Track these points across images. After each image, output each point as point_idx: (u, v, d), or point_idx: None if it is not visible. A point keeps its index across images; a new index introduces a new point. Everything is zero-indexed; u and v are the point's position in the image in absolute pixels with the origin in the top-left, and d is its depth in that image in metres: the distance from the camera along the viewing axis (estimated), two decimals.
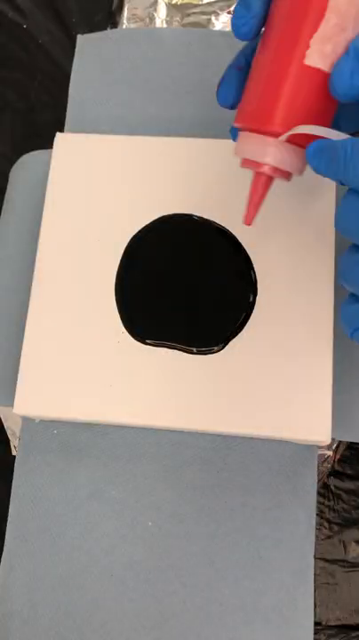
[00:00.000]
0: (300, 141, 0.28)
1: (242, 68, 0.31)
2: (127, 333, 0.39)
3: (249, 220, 0.31)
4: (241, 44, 0.32)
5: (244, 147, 0.29)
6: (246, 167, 0.30)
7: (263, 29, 0.30)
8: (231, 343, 0.38)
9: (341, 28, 0.27)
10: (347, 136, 0.27)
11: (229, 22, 0.50)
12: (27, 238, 0.45)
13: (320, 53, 0.27)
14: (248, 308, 0.39)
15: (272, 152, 0.28)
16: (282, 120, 0.28)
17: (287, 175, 0.30)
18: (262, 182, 0.30)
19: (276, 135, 0.28)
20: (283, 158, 0.28)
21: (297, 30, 0.28)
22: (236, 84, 0.31)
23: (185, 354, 0.38)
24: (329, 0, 0.27)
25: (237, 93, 0.31)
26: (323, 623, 0.40)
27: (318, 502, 0.41)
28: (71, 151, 0.43)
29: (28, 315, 0.40)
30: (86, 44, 0.50)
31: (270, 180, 0.30)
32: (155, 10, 0.53)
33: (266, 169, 0.29)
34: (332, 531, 0.42)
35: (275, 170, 0.29)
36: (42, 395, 0.39)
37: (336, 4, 0.27)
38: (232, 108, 0.31)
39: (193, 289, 0.40)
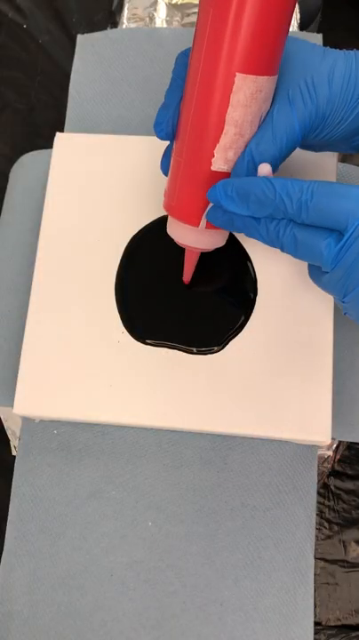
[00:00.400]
0: (214, 226, 0.33)
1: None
2: (127, 333, 0.39)
3: (187, 280, 0.39)
4: None
5: (173, 231, 0.35)
6: (178, 243, 0.36)
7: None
8: (231, 343, 0.38)
9: (240, 135, 0.30)
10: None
11: None
12: (28, 238, 0.45)
13: (224, 160, 0.31)
14: (248, 308, 0.39)
15: (193, 238, 0.34)
16: (197, 216, 0.33)
17: (208, 249, 0.36)
18: (191, 254, 0.37)
19: (196, 225, 0.33)
20: (202, 240, 0.34)
21: (201, 144, 0.31)
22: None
23: (185, 354, 0.38)
24: (226, 115, 0.29)
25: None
26: (323, 623, 0.40)
27: (318, 502, 0.41)
28: (71, 151, 0.43)
29: (28, 315, 0.40)
30: (86, 43, 0.50)
31: (197, 252, 0.36)
32: (155, 10, 0.53)
33: (190, 247, 0.36)
34: (332, 531, 0.42)
35: (198, 248, 0.35)
36: (42, 395, 0.39)
37: (232, 117, 0.29)
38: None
39: (193, 289, 0.40)
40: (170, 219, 0.35)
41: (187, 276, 0.38)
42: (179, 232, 0.35)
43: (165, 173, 0.35)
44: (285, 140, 0.30)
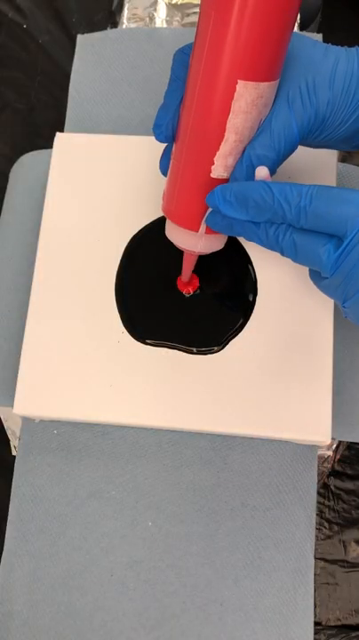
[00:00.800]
0: (212, 231, 0.33)
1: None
2: (127, 333, 0.39)
3: (185, 280, 0.39)
4: None
5: (172, 235, 0.35)
6: (177, 246, 0.35)
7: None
8: (231, 343, 0.38)
9: (240, 141, 0.30)
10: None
11: None
12: (28, 238, 0.45)
13: (224, 167, 0.30)
14: (248, 308, 0.39)
15: (192, 242, 0.34)
16: (197, 221, 0.33)
17: (207, 252, 0.35)
18: (189, 257, 0.37)
19: (195, 230, 0.33)
20: (201, 244, 0.34)
21: (201, 151, 0.30)
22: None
23: (185, 354, 0.38)
24: (227, 122, 0.29)
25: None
26: (323, 623, 0.40)
27: (318, 502, 0.41)
28: (71, 151, 0.43)
29: (28, 315, 0.40)
30: (86, 43, 0.50)
31: (195, 255, 0.36)
32: (155, 10, 0.53)
33: (189, 251, 0.35)
34: (332, 531, 0.42)
35: (197, 252, 0.35)
36: (42, 395, 0.39)
37: (233, 125, 0.29)
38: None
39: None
40: (168, 222, 0.35)
41: (186, 277, 0.38)
42: (177, 236, 0.34)
43: (164, 174, 0.34)
44: (283, 143, 0.30)
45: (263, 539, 0.38)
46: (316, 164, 0.40)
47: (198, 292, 0.40)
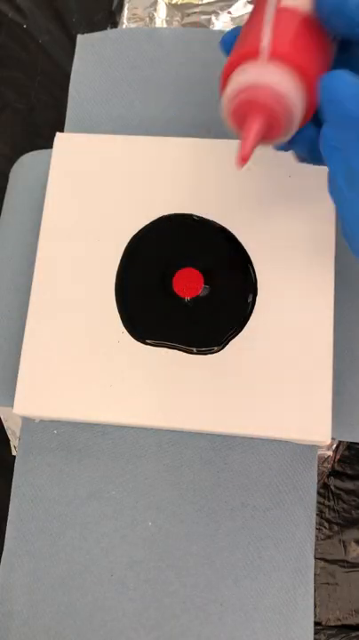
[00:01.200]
0: (293, 61, 0.26)
1: None
2: (127, 333, 0.39)
3: (246, 156, 0.27)
4: None
5: (234, 81, 0.26)
6: (237, 119, 0.27)
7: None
8: (231, 343, 0.38)
9: None
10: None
11: (230, 22, 0.50)
12: (28, 238, 0.45)
13: None
14: (248, 308, 0.39)
15: (260, 72, 0.26)
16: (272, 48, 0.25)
17: (283, 108, 0.26)
18: (259, 114, 0.27)
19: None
20: (276, 79, 0.26)
21: None
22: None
23: (185, 354, 0.38)
24: None
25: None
26: (323, 623, 0.40)
27: (318, 502, 0.41)
28: (71, 151, 0.43)
29: (28, 315, 0.40)
30: (86, 43, 0.50)
31: (266, 114, 0.26)
32: (155, 10, 0.53)
33: (261, 96, 0.26)
34: (332, 531, 0.42)
35: (272, 95, 0.26)
36: (42, 395, 0.39)
37: None
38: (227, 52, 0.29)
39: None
40: (230, 78, 0.27)
41: (247, 150, 0.27)
42: (242, 76, 0.26)
43: (227, 50, 0.29)
44: None
45: (263, 539, 0.38)
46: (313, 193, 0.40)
47: (203, 294, 0.40)
